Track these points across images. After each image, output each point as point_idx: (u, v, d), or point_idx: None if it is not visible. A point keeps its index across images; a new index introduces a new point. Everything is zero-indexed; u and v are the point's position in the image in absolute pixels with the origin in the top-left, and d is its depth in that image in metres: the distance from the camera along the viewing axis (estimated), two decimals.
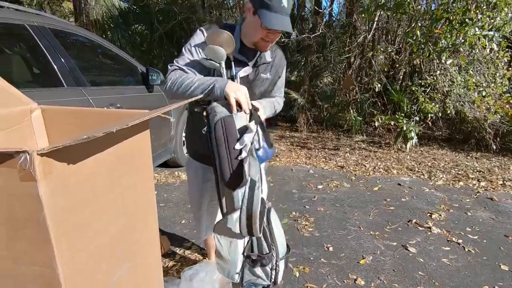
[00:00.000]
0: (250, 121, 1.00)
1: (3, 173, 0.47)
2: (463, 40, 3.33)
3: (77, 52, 2.22)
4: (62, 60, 1.82)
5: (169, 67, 1.14)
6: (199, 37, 1.16)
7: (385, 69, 5.49)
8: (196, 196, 1.41)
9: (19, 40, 1.80)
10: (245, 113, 1.01)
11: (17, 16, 1.70)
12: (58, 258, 0.52)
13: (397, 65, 5.26)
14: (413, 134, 4.10)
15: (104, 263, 0.68)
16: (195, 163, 1.37)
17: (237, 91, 0.99)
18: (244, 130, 0.97)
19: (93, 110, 1.26)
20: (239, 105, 0.99)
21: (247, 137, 0.96)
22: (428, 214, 2.57)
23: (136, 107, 1.86)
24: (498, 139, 4.55)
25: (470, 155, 4.49)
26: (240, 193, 0.97)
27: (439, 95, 4.29)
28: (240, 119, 0.99)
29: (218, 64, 1.07)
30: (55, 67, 1.77)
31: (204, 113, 1.01)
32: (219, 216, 1.41)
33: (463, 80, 4.07)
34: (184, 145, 3.22)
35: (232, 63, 1.15)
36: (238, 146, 0.95)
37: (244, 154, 0.95)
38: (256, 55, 1.20)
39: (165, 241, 1.97)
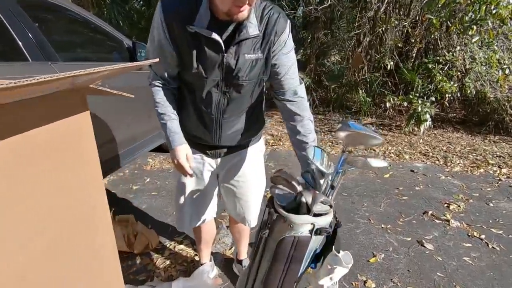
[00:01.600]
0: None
1: None
2: (494, 12, 2.92)
3: (50, 25, 1.96)
4: (28, 32, 1.58)
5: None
6: (156, 16, 0.90)
7: (398, 45, 5.07)
8: (181, 185, 1.19)
9: None
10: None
11: None
12: None
13: (412, 40, 4.84)
14: (427, 116, 3.79)
15: None
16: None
17: (173, 159, 1.02)
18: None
19: None
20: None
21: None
22: (446, 205, 2.33)
23: (120, 86, 1.62)
24: None
25: (488, 138, 4.18)
26: None
27: (458, 73, 3.92)
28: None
29: None
30: (18, 39, 1.52)
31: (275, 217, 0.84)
32: (204, 207, 1.26)
33: (485, 56, 3.69)
34: None
35: (205, 45, 0.88)
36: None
37: None
38: (233, 28, 0.88)
39: (153, 236, 1.78)
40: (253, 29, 0.88)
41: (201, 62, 0.91)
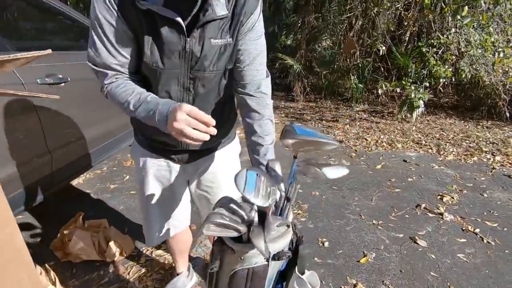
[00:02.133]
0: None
1: None
2: None
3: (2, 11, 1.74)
4: None
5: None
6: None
7: (391, 28, 4.89)
8: (145, 198, 1.04)
9: None
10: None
11: None
12: None
13: (405, 23, 4.66)
14: (420, 102, 3.67)
15: None
16: (144, 152, 1.00)
17: (179, 122, 0.64)
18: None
19: None
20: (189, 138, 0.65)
21: None
22: (439, 197, 2.24)
23: (89, 78, 1.43)
24: None
25: (481, 124, 4.10)
26: None
27: (453, 57, 3.79)
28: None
29: None
30: None
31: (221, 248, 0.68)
32: (175, 217, 1.11)
33: (481, 39, 3.55)
34: None
35: (160, 28, 0.70)
36: None
37: None
38: (195, 7, 0.70)
39: (127, 241, 1.64)
40: (220, 8, 0.72)
41: (157, 49, 0.74)
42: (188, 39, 0.73)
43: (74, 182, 2.36)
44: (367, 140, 3.44)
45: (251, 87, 0.84)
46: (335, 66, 5.57)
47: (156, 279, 1.48)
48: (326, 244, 1.74)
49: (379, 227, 1.90)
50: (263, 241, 0.58)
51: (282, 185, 0.71)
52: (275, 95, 6.00)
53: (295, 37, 6.36)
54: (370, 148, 3.20)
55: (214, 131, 0.66)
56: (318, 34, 5.92)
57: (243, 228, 0.62)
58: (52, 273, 1.42)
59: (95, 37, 0.73)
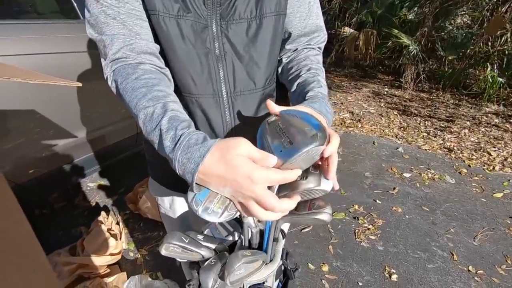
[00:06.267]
0: None
1: None
2: None
3: None
4: None
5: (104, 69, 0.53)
6: None
7: None
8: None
9: None
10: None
11: None
12: None
13: None
14: None
15: None
16: (164, 190, 0.73)
17: (245, 190, 0.38)
18: None
19: None
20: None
21: None
22: None
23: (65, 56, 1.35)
24: None
25: None
26: None
27: None
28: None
29: None
30: None
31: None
32: None
33: None
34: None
35: None
36: None
37: None
38: None
39: None
40: None
41: None
42: None
43: None
44: (490, 154, 2.64)
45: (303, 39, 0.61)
46: (468, 50, 4.39)
47: None
48: (394, 277, 1.43)
49: (476, 278, 1.44)
50: (211, 281, 0.48)
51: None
52: (379, 78, 5.26)
53: (421, 10, 5.24)
54: (492, 167, 2.45)
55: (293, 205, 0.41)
56: (453, 8, 4.71)
57: (206, 253, 0.52)
58: (121, 224, 1.62)
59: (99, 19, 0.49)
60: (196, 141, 0.40)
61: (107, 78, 0.53)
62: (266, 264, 0.55)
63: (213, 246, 0.54)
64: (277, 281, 0.61)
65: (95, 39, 0.51)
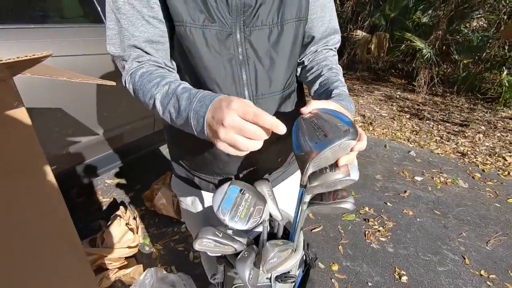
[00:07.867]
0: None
1: None
2: None
3: None
4: None
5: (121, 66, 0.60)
6: None
7: None
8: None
9: None
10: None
11: None
12: None
13: None
14: None
15: None
16: (187, 188, 0.76)
17: (227, 129, 0.41)
18: None
19: None
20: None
21: None
22: None
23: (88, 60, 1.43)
24: None
25: None
26: None
27: None
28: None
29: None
30: None
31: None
32: None
33: None
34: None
35: None
36: None
37: None
38: None
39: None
40: None
41: None
42: None
43: None
44: (505, 160, 2.60)
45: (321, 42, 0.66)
46: (484, 54, 4.32)
47: None
48: (404, 279, 1.44)
49: (488, 282, 1.44)
50: (248, 270, 0.51)
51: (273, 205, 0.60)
52: (391, 82, 5.22)
53: (435, 13, 5.19)
54: (507, 172, 2.41)
55: (283, 130, 0.42)
56: (468, 11, 4.65)
57: (238, 246, 0.55)
58: (138, 220, 1.68)
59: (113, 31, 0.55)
60: (209, 93, 0.47)
61: (124, 82, 0.59)
62: (294, 251, 0.58)
63: (244, 240, 0.57)
64: (300, 269, 0.65)
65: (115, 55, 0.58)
